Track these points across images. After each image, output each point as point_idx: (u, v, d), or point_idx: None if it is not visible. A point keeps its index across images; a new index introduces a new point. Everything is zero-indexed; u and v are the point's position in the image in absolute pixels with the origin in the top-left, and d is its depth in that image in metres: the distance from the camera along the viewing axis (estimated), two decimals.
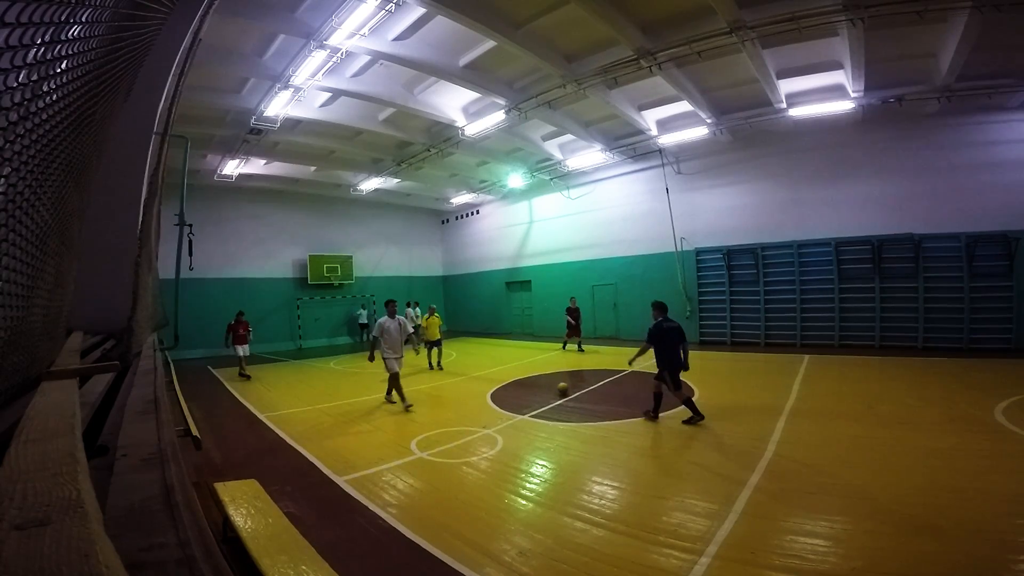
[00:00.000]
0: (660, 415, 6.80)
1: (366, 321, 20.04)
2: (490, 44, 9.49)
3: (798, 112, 11.77)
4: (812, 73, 10.82)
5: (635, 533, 3.76)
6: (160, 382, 2.20)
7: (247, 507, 3.48)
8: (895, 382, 8.58)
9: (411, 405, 7.98)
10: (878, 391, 7.93)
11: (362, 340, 20.12)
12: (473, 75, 10.70)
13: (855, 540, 3.49)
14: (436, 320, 12.73)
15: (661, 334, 6.82)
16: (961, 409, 6.56)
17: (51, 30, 1.12)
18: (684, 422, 6.55)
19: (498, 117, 12.20)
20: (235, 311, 17.22)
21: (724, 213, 14.68)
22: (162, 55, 3.59)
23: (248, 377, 12.23)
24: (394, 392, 8.36)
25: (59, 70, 1.32)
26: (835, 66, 10.38)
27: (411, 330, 8.57)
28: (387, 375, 8.34)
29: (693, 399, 6.78)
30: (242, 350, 12.62)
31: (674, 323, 6.93)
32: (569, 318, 14.87)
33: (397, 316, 8.29)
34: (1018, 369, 8.88)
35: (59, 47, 1.23)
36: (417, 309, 18.52)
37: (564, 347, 15.30)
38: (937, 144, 11.45)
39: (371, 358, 8.14)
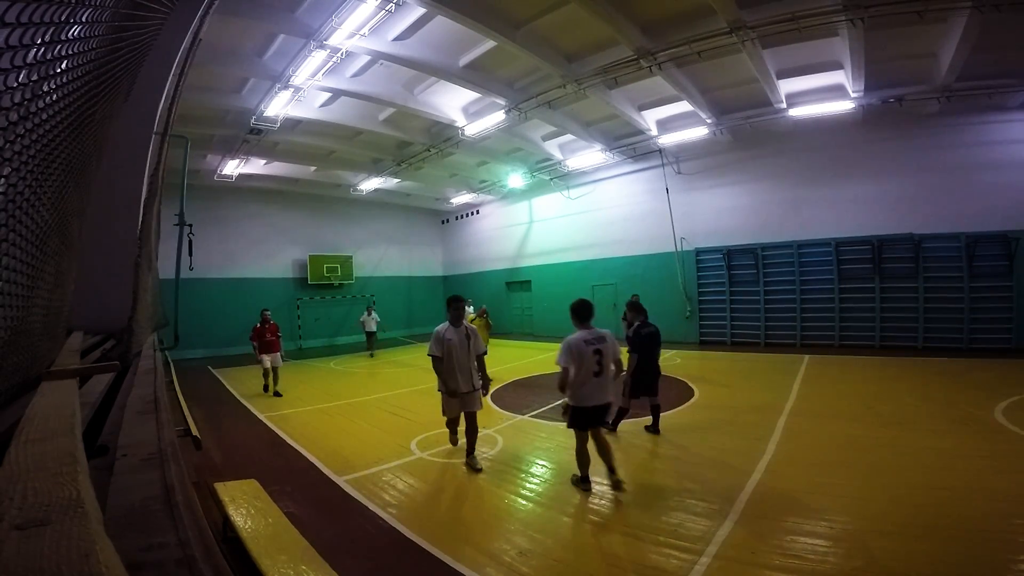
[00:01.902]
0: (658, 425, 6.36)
1: (374, 329, 16.21)
2: (490, 44, 9.49)
3: (798, 112, 11.77)
4: (812, 73, 10.81)
5: (635, 533, 3.76)
6: (160, 382, 2.20)
7: (247, 507, 3.49)
8: (895, 382, 8.58)
9: (481, 469, 5.24)
10: (878, 391, 7.93)
11: (370, 353, 16.20)
12: (473, 75, 10.69)
13: (855, 540, 3.49)
14: (480, 323, 10.48)
15: (641, 341, 6.20)
16: (961, 409, 6.56)
17: (51, 30, 1.12)
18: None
19: (498, 117, 12.19)
20: (236, 311, 17.25)
21: (724, 213, 14.67)
22: (162, 55, 3.59)
23: (279, 395, 9.79)
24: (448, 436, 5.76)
25: (59, 70, 1.32)
26: (835, 66, 10.38)
27: (483, 348, 5.55)
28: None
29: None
30: (271, 360, 9.83)
31: (653, 326, 6.37)
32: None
33: (464, 323, 5.35)
34: (1018, 369, 8.88)
35: (59, 47, 1.23)
36: (471, 308, 13.93)
37: None
38: (937, 144, 11.45)
39: (452, 392, 5.18)
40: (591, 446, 4.59)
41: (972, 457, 4.90)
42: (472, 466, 5.28)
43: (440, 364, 5.17)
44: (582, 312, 4.56)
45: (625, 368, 6.15)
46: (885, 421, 6.27)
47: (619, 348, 4.56)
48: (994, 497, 3.97)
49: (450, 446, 5.83)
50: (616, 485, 4.43)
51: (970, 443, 5.31)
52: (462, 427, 5.50)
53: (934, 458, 4.92)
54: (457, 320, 5.27)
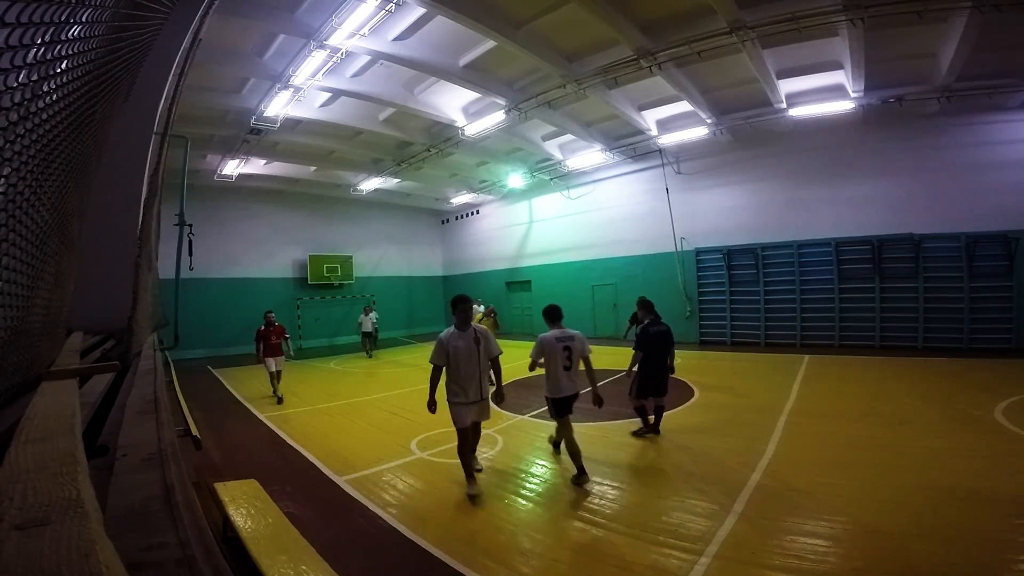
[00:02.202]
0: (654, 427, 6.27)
1: (370, 329, 15.72)
2: (490, 44, 9.49)
3: (798, 112, 11.76)
4: (812, 73, 10.81)
5: (635, 533, 3.76)
6: (160, 382, 2.20)
7: (247, 507, 3.48)
8: (895, 382, 8.58)
9: (477, 495, 4.55)
10: (878, 391, 7.93)
11: (367, 354, 15.84)
12: (473, 75, 10.69)
13: (855, 540, 3.49)
14: (487, 322, 10.09)
15: (649, 339, 6.12)
16: (961, 409, 6.56)
17: (51, 30, 1.12)
18: (634, 433, 6.24)
19: (498, 117, 12.19)
20: (236, 311, 17.28)
21: (724, 213, 14.66)
22: (162, 55, 3.59)
23: (280, 400, 9.33)
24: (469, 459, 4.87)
25: (59, 70, 1.32)
26: (835, 66, 10.37)
27: (498, 350, 4.95)
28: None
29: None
30: (275, 364, 9.40)
31: (664, 325, 6.31)
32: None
33: (473, 325, 4.78)
34: (1018, 369, 8.87)
35: (59, 47, 1.23)
36: (481, 307, 12.98)
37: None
38: (937, 144, 11.44)
39: (431, 406, 4.67)
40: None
41: (972, 457, 4.90)
42: None
43: (437, 374, 4.62)
44: (553, 314, 5.29)
45: (627, 367, 6.22)
46: (885, 421, 6.27)
47: (588, 348, 5.15)
48: (994, 497, 3.98)
49: (447, 446, 5.35)
50: (579, 475, 4.85)
51: (970, 443, 5.31)
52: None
53: (934, 458, 4.92)
54: (464, 323, 4.67)
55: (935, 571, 3.07)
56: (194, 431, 5.24)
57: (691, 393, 8.38)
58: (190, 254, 6.89)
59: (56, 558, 0.44)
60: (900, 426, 6.02)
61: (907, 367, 9.86)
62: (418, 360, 12.17)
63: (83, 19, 1.39)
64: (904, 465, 4.80)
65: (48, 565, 0.43)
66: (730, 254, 14.43)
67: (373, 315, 15.95)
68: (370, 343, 15.93)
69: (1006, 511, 3.75)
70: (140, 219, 3.57)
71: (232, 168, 15.66)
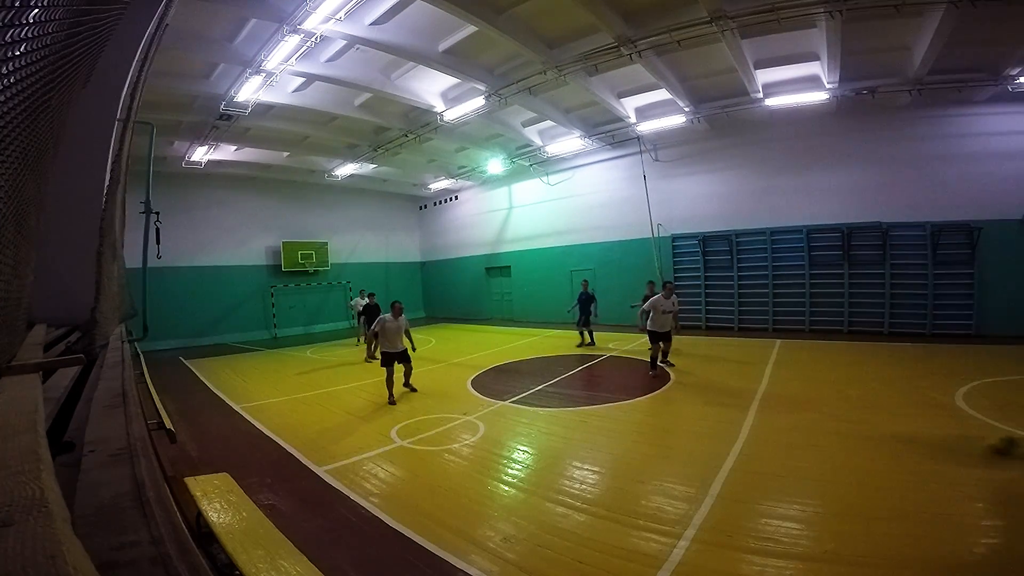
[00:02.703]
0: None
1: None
2: (471, 29, 9.33)
3: (774, 102, 11.91)
4: (789, 64, 10.94)
5: (616, 517, 3.84)
6: (129, 374, 2.14)
7: (220, 502, 3.41)
8: (862, 367, 8.87)
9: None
10: (846, 375, 8.19)
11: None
12: (453, 60, 10.53)
13: (826, 523, 3.61)
14: None
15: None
16: (924, 394, 6.81)
17: (10, 15, 1.06)
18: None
19: (478, 103, 12.06)
20: (207, 300, 17.11)
21: (700, 200, 14.86)
22: (125, 40, 3.43)
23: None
24: None
25: (16, 54, 1.25)
26: (811, 57, 10.51)
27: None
28: None
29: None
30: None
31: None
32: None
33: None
34: (977, 355, 9.26)
35: (13, 31, 1.17)
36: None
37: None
38: (907, 136, 11.75)
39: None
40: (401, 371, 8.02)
41: (934, 441, 5.10)
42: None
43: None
44: (397, 307, 7.98)
45: None
46: (853, 405, 6.48)
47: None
48: (955, 481, 4.15)
49: (428, 433, 5.97)
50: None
51: (933, 427, 5.52)
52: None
53: (898, 442, 5.11)
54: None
55: (903, 554, 3.18)
56: (168, 424, 5.14)
57: (667, 378, 8.54)
58: (158, 242, 6.71)
59: (21, 560, 0.43)
60: (867, 410, 6.23)
61: (874, 351, 10.21)
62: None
63: (41, 2, 1.33)
64: (871, 449, 4.97)
65: (12, 568, 0.42)
66: (705, 240, 14.64)
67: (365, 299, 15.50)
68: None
69: (966, 494, 3.92)
70: (103, 207, 3.44)
71: (201, 154, 15.16)
